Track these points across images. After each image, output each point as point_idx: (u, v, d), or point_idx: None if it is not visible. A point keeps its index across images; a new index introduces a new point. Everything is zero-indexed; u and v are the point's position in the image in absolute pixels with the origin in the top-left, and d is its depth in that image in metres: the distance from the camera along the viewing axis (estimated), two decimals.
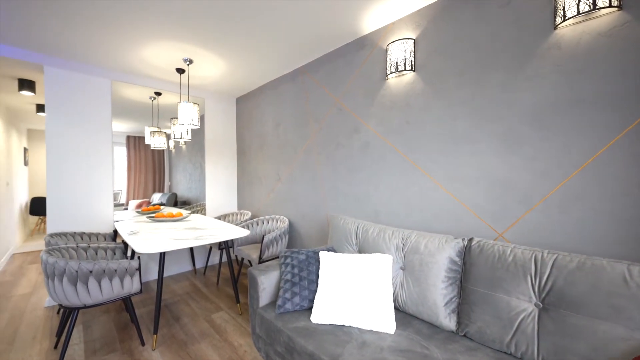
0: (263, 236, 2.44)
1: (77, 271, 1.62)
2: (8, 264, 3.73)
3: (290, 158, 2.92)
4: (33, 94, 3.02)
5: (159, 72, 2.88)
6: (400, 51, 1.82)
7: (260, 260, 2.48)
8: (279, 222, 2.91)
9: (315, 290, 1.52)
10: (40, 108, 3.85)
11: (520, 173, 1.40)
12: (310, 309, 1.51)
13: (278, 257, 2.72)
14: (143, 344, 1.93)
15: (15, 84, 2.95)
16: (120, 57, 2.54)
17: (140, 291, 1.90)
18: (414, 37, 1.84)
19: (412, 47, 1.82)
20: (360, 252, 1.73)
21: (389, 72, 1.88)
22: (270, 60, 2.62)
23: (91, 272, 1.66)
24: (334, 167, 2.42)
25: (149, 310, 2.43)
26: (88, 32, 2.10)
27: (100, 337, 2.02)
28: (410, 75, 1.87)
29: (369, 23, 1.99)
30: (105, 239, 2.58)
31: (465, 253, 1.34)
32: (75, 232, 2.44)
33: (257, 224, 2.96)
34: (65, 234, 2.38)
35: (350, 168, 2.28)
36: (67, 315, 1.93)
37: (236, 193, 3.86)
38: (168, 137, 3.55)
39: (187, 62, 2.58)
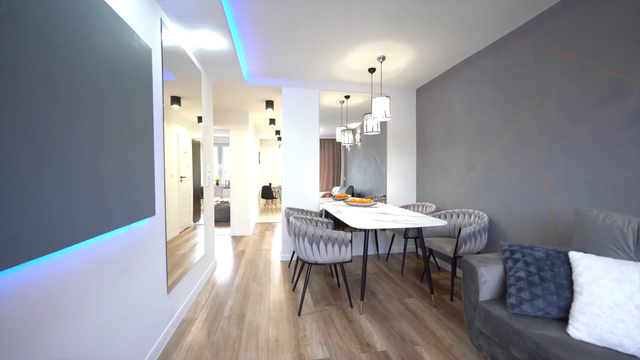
0: (460, 229, 2.24)
1: (313, 234, 2.11)
2: (254, 229, 5.54)
3: (489, 144, 2.52)
4: (272, 110, 4.28)
5: (354, 76, 3.29)
6: None
7: (455, 255, 2.29)
8: (473, 216, 2.59)
9: (568, 298, 1.18)
10: (271, 122, 5.42)
11: None
12: (559, 319, 1.20)
13: (476, 254, 2.42)
14: (351, 306, 2.25)
15: (264, 104, 4.30)
16: (327, 70, 3.11)
17: (350, 260, 2.22)
18: None
19: None
20: None
21: None
22: (465, 37, 2.36)
23: (321, 237, 2.11)
24: (568, 149, 1.84)
25: (348, 279, 2.82)
26: (308, 56, 2.70)
27: (318, 291, 2.56)
28: None
29: None
30: (316, 215, 3.25)
31: None
32: (298, 208, 3.23)
33: (446, 217, 2.77)
34: (293, 209, 3.19)
35: (602, 147, 1.65)
36: (301, 269, 2.58)
37: (415, 185, 3.82)
38: (353, 133, 4.00)
39: (380, 60, 2.79)
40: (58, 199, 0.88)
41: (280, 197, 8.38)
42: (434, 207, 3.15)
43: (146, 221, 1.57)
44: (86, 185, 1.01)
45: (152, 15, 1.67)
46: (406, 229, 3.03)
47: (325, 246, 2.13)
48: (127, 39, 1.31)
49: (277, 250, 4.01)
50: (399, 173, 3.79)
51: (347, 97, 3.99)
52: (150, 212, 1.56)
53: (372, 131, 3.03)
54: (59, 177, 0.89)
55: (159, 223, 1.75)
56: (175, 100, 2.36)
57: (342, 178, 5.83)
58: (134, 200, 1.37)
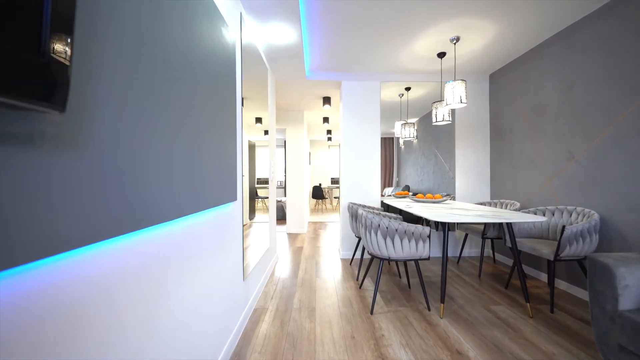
0: (563, 227, 1.89)
1: (387, 228, 1.97)
2: (308, 227, 5.56)
3: (597, 128, 2.11)
4: (329, 106, 4.26)
5: (419, 63, 3.08)
6: None
7: (556, 258, 1.94)
8: (575, 214, 2.18)
9: None
10: (325, 120, 5.42)
11: None
12: None
13: (581, 260, 2.03)
14: (429, 309, 2.05)
15: (321, 101, 4.30)
16: (390, 58, 2.96)
17: (428, 258, 2.03)
18: None
19: None
20: None
21: None
22: (566, 2, 2.02)
23: (396, 230, 1.96)
24: None
25: (418, 281, 2.61)
26: (371, 44, 2.59)
27: (387, 291, 2.39)
28: None
29: None
30: (381, 211, 3.10)
31: None
32: (360, 204, 3.11)
33: (536, 215, 2.39)
34: (354, 204, 3.09)
35: None
36: (367, 267, 2.45)
37: (489, 180, 3.42)
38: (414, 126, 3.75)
39: (454, 41, 2.55)
40: (182, 178, 0.90)
41: (330, 197, 8.36)
42: (517, 204, 2.76)
43: (230, 205, 1.61)
44: (196, 168, 1.04)
45: (234, 9, 1.74)
46: (484, 228, 2.71)
47: (401, 241, 1.97)
48: (221, 27, 1.36)
49: (334, 248, 3.93)
50: (469, 168, 3.44)
51: (408, 89, 3.77)
52: (233, 197, 1.60)
53: (442, 120, 2.78)
54: (183, 165, 0.91)
55: (238, 208, 1.79)
56: None
57: (395, 178, 5.53)
58: (223, 184, 1.40)
